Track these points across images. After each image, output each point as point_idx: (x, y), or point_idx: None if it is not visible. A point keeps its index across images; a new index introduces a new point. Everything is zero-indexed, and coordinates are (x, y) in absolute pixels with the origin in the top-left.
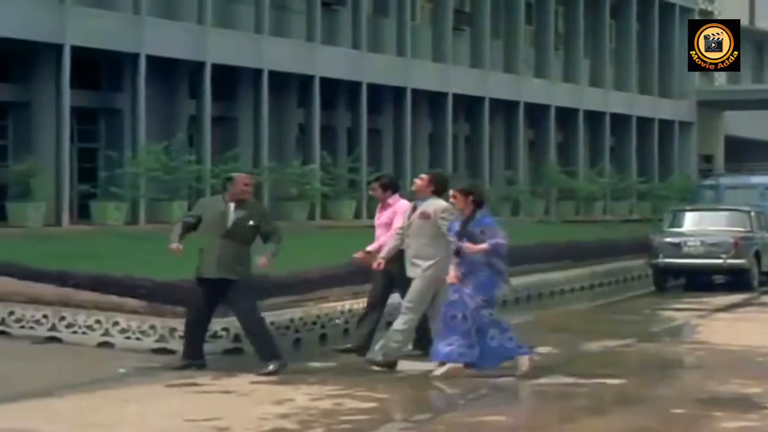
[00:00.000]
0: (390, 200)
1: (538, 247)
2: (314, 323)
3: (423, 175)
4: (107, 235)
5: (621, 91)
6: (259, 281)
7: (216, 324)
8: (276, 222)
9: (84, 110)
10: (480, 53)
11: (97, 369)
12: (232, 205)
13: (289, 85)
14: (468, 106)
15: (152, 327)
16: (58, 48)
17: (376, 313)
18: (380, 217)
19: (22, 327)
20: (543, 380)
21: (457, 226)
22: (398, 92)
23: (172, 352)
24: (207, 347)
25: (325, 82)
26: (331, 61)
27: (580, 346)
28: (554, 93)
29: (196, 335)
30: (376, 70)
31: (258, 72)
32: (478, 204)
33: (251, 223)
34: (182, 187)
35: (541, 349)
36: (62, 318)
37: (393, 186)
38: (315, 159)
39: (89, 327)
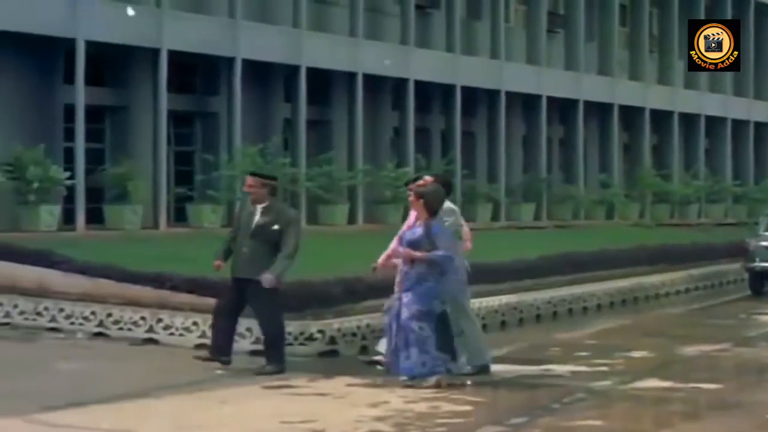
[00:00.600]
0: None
1: (633, 250)
2: None
3: (426, 177)
4: (203, 237)
5: (715, 93)
6: (353, 284)
7: (312, 326)
8: (296, 234)
9: (180, 114)
10: (574, 55)
11: (194, 370)
12: (258, 208)
13: (384, 89)
14: (562, 108)
15: (248, 329)
16: (155, 52)
17: None
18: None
19: (120, 329)
20: (639, 384)
21: (419, 232)
22: (492, 95)
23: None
24: (302, 350)
25: (419, 85)
26: (425, 64)
27: (675, 350)
28: (649, 95)
29: (219, 330)
30: (470, 72)
31: (352, 75)
32: (431, 211)
33: (275, 227)
34: (277, 190)
35: (637, 353)
36: (159, 320)
37: (443, 187)
38: (409, 162)
39: (186, 329)
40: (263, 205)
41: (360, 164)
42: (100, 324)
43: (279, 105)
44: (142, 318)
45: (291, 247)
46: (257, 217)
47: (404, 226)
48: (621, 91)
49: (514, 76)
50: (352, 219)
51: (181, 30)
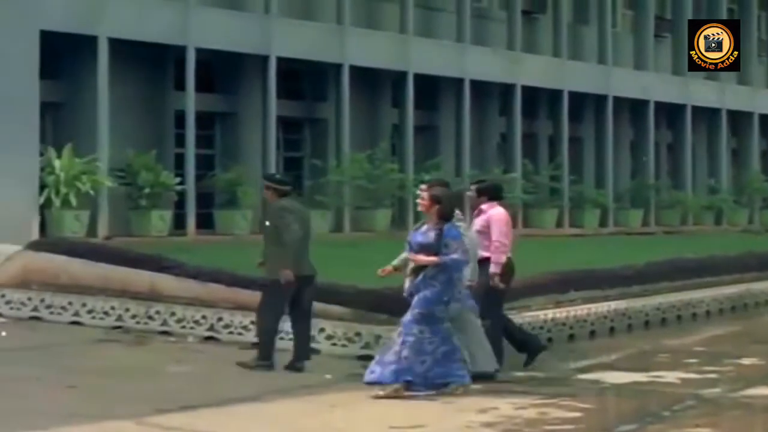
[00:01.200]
0: (484, 206)
1: (741, 257)
2: None
3: (425, 185)
4: (312, 242)
5: None
6: None
7: None
8: (283, 225)
9: (289, 120)
10: (681, 60)
11: (304, 375)
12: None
13: (491, 94)
14: (670, 113)
15: (357, 334)
16: (264, 59)
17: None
18: (474, 224)
19: (231, 333)
20: (749, 392)
21: (432, 236)
22: (599, 100)
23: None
24: None
25: (526, 90)
26: (532, 69)
27: None
28: (758, 100)
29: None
30: (577, 77)
31: (460, 81)
32: (446, 216)
33: (267, 223)
34: (385, 196)
35: (746, 360)
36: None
37: (488, 191)
38: (516, 167)
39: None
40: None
41: (467, 170)
42: (211, 328)
43: (387, 111)
44: (252, 322)
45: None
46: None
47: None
48: (729, 96)
49: (622, 81)
50: None
51: (290, 37)
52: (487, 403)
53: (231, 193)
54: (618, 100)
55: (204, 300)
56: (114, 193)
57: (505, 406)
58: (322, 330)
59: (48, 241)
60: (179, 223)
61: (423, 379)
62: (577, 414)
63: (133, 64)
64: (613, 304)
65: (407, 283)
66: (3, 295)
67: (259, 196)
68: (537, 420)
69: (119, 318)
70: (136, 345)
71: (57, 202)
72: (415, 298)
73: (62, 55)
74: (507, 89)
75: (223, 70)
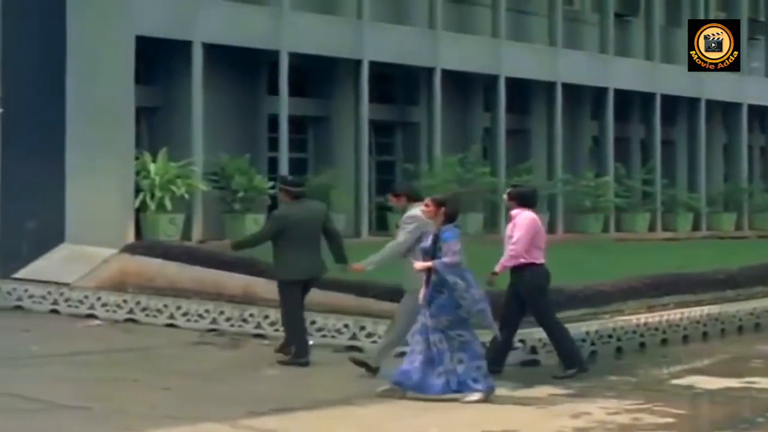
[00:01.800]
0: (514, 211)
1: None
2: (610, 336)
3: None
4: None
5: None
6: (553, 294)
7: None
8: (265, 226)
9: (381, 123)
10: None
11: None
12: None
13: (583, 97)
14: (763, 116)
15: (521, 341)
16: (356, 63)
17: (504, 332)
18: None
19: (324, 336)
20: None
21: (430, 240)
22: (692, 103)
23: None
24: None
25: (619, 93)
26: (624, 73)
27: None
28: None
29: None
30: (669, 80)
31: (551, 85)
32: (451, 218)
33: None
34: (477, 199)
35: None
36: (362, 327)
37: (516, 198)
38: (609, 171)
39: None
40: None
41: (559, 173)
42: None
43: (478, 114)
44: (345, 325)
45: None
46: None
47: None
48: None
49: (715, 84)
50: (551, 228)
51: (382, 41)
52: (579, 408)
53: (324, 197)
54: (711, 103)
55: None
56: (208, 197)
57: (597, 411)
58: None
59: (143, 245)
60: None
61: (440, 389)
62: (671, 420)
63: (227, 69)
64: (706, 309)
65: (422, 292)
66: (99, 298)
67: (354, 198)
68: (630, 425)
69: (214, 321)
70: (230, 348)
71: (152, 205)
72: (432, 308)
73: (157, 60)
74: (599, 92)
75: (315, 75)
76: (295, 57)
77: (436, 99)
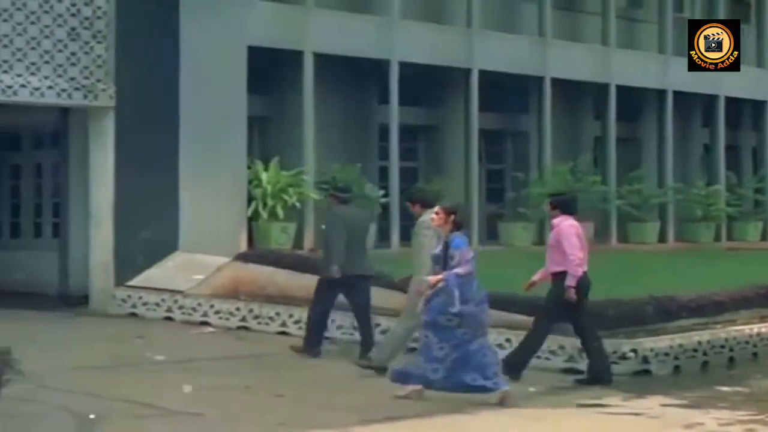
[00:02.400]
0: (555, 220)
1: None
2: (722, 346)
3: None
4: (515, 255)
5: None
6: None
7: (625, 345)
8: (327, 233)
9: (491, 132)
10: None
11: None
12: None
13: (693, 105)
14: None
15: (561, 347)
16: (466, 72)
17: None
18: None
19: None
20: None
21: (440, 248)
22: None
23: (580, 371)
24: (616, 368)
25: (730, 101)
26: (735, 81)
27: None
28: None
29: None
30: None
31: (662, 93)
32: (459, 225)
33: (323, 227)
34: (587, 208)
35: None
36: (508, 339)
37: (558, 205)
38: (720, 179)
39: (499, 345)
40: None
41: (670, 182)
42: (414, 339)
43: (588, 123)
44: None
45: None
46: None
47: None
48: None
49: None
50: (662, 237)
51: (491, 50)
52: (692, 418)
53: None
54: None
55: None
56: (319, 206)
57: (710, 422)
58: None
59: (255, 253)
60: (383, 236)
61: (444, 386)
62: None
63: (338, 79)
64: None
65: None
66: (212, 305)
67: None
68: None
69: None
70: (343, 355)
71: (264, 214)
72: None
73: (269, 70)
74: (710, 100)
75: (426, 84)
76: (405, 66)
77: (546, 107)
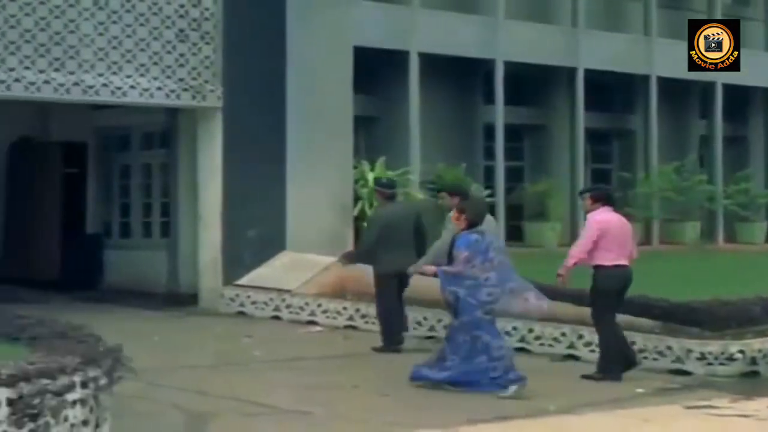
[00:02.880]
0: (590, 214)
1: None
2: None
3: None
4: None
5: None
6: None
7: (732, 346)
8: (367, 230)
9: (597, 132)
10: None
11: (614, 388)
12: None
13: None
14: None
15: (668, 347)
16: (570, 71)
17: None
18: None
19: (542, 344)
20: None
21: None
22: None
23: (688, 373)
24: (723, 370)
25: None
26: None
27: None
28: None
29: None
30: None
31: None
32: (471, 224)
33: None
34: (694, 208)
35: None
36: (580, 336)
37: (600, 198)
38: None
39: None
40: None
41: None
42: (522, 339)
43: (694, 122)
44: (563, 334)
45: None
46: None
47: None
48: None
49: None
50: None
51: (597, 48)
52: None
53: (540, 206)
54: None
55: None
56: (424, 206)
57: None
58: (632, 344)
59: None
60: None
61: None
62: None
63: (443, 78)
64: None
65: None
66: (320, 305)
67: (569, 207)
68: None
69: (431, 328)
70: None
71: (370, 213)
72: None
73: (375, 70)
74: None
75: (531, 83)
76: (510, 65)
77: (652, 106)
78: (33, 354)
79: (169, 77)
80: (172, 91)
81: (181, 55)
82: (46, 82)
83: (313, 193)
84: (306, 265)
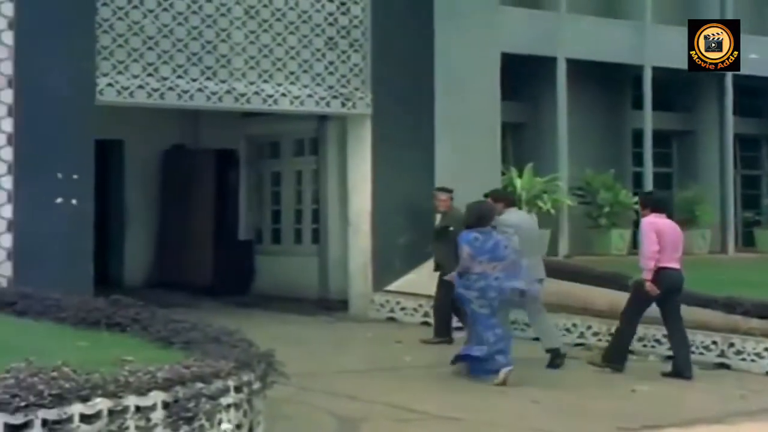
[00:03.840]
0: (644, 219)
1: None
2: None
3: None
4: None
5: None
6: None
7: None
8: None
9: (747, 137)
10: None
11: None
12: (438, 216)
13: None
14: None
15: None
16: (719, 77)
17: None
18: None
19: (692, 352)
20: None
21: None
22: None
23: None
24: None
25: None
26: None
27: None
28: None
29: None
30: None
31: None
32: (468, 225)
33: (451, 228)
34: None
35: None
36: (731, 345)
37: (650, 203)
38: None
39: (758, 354)
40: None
41: None
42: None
43: None
44: (714, 342)
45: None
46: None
47: None
48: None
49: None
50: None
51: (746, 53)
52: None
53: (689, 212)
54: None
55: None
56: (573, 212)
57: None
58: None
59: None
60: (637, 242)
61: None
62: None
63: (591, 84)
64: None
65: None
66: None
67: (720, 214)
68: None
69: (581, 335)
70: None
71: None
72: None
73: (522, 76)
74: None
75: (679, 88)
76: (658, 71)
77: None
78: (187, 358)
79: (318, 85)
80: (322, 98)
81: (331, 62)
82: (199, 90)
83: (461, 200)
84: None
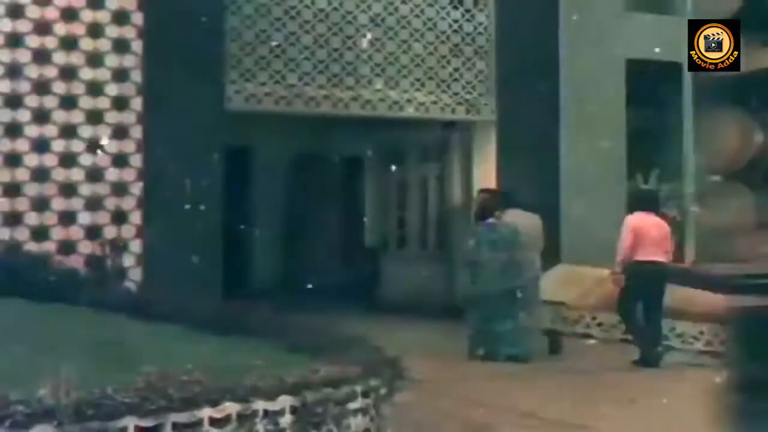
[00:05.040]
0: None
1: None
2: None
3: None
4: None
5: None
6: None
7: None
8: None
9: None
10: None
11: None
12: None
13: None
14: None
15: None
16: None
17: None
18: None
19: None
20: None
21: None
22: None
23: None
24: None
25: None
26: None
27: None
28: None
29: None
30: None
31: None
32: (480, 215)
33: None
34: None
35: None
36: None
37: (634, 201)
38: None
39: None
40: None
41: None
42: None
43: None
44: None
45: None
46: None
47: None
48: None
49: None
50: None
51: None
52: None
53: None
54: None
55: None
56: (698, 219)
57: None
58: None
59: None
60: None
61: None
62: None
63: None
64: None
65: None
66: (594, 318)
67: None
68: None
69: (708, 343)
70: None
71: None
72: None
73: (647, 82)
74: None
75: None
76: None
77: None
78: (314, 363)
79: (444, 91)
80: (447, 105)
81: (456, 69)
82: (326, 97)
83: (587, 205)
84: (581, 277)
